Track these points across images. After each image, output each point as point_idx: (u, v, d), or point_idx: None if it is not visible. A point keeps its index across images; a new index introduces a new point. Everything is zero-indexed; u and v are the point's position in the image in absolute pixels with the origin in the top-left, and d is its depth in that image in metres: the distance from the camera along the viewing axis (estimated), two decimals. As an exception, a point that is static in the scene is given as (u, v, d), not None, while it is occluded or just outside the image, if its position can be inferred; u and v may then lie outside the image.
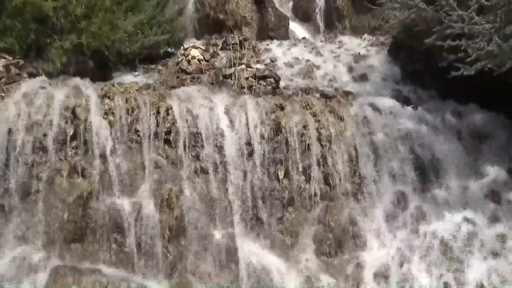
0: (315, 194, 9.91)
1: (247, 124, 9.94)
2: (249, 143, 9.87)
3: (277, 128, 10.02)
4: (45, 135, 9.27)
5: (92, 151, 9.33)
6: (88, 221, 9.08)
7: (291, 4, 18.19)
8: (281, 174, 9.90)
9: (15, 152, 9.13)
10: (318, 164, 10.01)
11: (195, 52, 12.54)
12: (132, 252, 9.00)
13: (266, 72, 11.86)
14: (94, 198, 9.14)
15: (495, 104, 11.03)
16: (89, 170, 9.25)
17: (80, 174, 9.22)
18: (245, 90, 11.41)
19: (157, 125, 9.67)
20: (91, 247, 9.03)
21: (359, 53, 14.38)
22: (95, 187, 9.17)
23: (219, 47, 13.92)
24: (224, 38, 14.32)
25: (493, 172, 10.36)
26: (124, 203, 9.18)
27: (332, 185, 10.01)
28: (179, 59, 12.62)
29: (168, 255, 9.14)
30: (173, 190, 9.40)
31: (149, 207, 9.21)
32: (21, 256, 8.83)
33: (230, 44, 13.61)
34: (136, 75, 12.54)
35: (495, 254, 9.37)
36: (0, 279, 8.57)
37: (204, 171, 9.68)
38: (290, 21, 16.63)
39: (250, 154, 9.83)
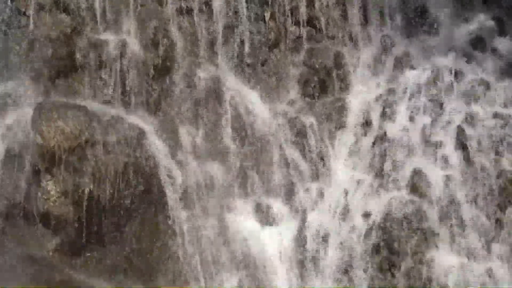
0: (301, 37, 9.86)
1: (234, -37, 9.74)
2: (235, -17, 9.70)
3: (264, -31, 9.83)
4: (26, -32, 9.07)
5: (74, -14, 9.16)
6: (72, 58, 9.02)
7: None
8: (267, 15, 9.80)
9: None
10: (306, 6, 9.88)
11: None
12: (117, 89, 9.01)
13: None
14: (78, 34, 9.05)
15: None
16: (72, 6, 9.08)
17: (63, 9, 9.07)
18: None
19: (141, -39, 9.45)
20: (76, 83, 9.02)
21: None
22: (78, 23, 9.05)
23: None
24: None
25: (480, 19, 10.31)
26: (109, 40, 9.10)
27: (318, 27, 9.94)
28: None
29: (153, 93, 9.17)
30: (158, 29, 9.31)
31: (134, 45, 9.15)
32: (6, 91, 8.85)
33: None
34: None
35: (476, 100, 9.47)
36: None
37: (189, 10, 9.54)
38: None
39: (236, -6, 9.70)
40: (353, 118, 9.59)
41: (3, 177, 8.38)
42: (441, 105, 9.37)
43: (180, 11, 9.55)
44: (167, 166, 8.65)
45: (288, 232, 8.81)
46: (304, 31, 9.89)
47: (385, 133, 9.26)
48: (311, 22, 9.96)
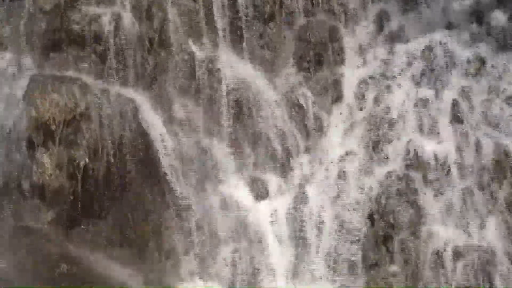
0: (297, 10, 9.81)
1: None
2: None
3: None
4: None
5: (68, -41, 9.12)
6: (66, 31, 9.00)
7: None
8: (263, -12, 9.78)
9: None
10: (301, -21, 9.88)
11: None
12: (112, 63, 8.99)
13: None
14: (72, 7, 9.02)
15: None
16: (66, -22, 9.09)
17: (57, -18, 9.07)
18: None
19: None
20: (70, 56, 9.01)
21: None
22: (73, -5, 9.06)
23: None
24: None
25: (478, -8, 10.26)
26: (103, 13, 9.06)
27: (314, 1, 9.90)
28: None
29: (148, 66, 9.15)
30: (152, 2, 9.27)
31: (129, 18, 9.12)
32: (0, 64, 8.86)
33: None
34: None
35: (473, 74, 9.45)
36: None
37: (184, -17, 9.53)
38: None
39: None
40: (348, 92, 9.58)
41: (-2, 150, 8.40)
42: (436, 79, 9.35)
43: (175, -16, 9.53)
44: (162, 139, 8.67)
45: (283, 205, 8.84)
46: (300, 4, 9.84)
47: (380, 107, 9.27)
48: (307, -8, 9.94)
